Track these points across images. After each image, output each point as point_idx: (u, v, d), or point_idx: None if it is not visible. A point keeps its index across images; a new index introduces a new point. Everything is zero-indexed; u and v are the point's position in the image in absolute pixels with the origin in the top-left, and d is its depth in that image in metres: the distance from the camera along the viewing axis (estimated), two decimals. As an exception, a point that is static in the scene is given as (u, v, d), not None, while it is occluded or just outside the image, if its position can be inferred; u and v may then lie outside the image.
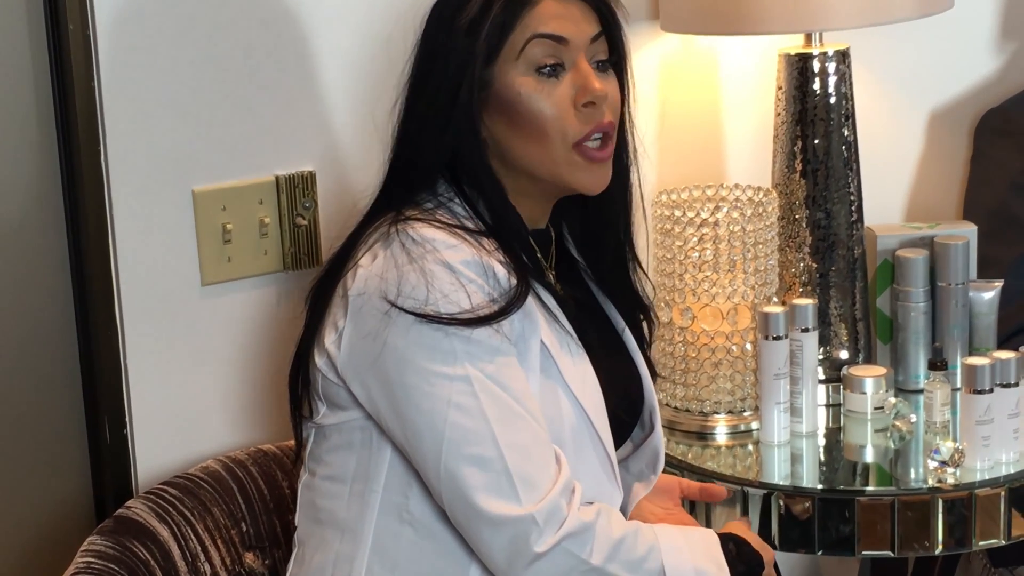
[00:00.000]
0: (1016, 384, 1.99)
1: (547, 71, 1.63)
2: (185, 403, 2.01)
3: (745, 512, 1.98)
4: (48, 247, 1.94)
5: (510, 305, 1.59)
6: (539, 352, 1.63)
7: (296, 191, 2.04)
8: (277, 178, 2.03)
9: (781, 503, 1.96)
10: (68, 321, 1.97)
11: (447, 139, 1.64)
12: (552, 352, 1.64)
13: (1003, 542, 1.96)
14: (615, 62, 1.69)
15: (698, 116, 2.42)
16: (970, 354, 2.20)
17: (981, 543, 1.94)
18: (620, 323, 1.81)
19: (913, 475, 2.03)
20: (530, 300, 1.62)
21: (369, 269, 1.60)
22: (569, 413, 1.65)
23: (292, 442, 1.95)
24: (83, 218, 1.92)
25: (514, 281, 1.60)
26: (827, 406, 2.21)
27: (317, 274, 1.71)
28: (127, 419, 1.97)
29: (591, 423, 1.67)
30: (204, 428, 2.02)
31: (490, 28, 1.61)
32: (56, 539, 1.99)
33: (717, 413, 2.16)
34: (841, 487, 1.99)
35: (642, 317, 1.83)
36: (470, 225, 1.64)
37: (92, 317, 1.95)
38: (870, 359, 2.28)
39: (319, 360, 1.66)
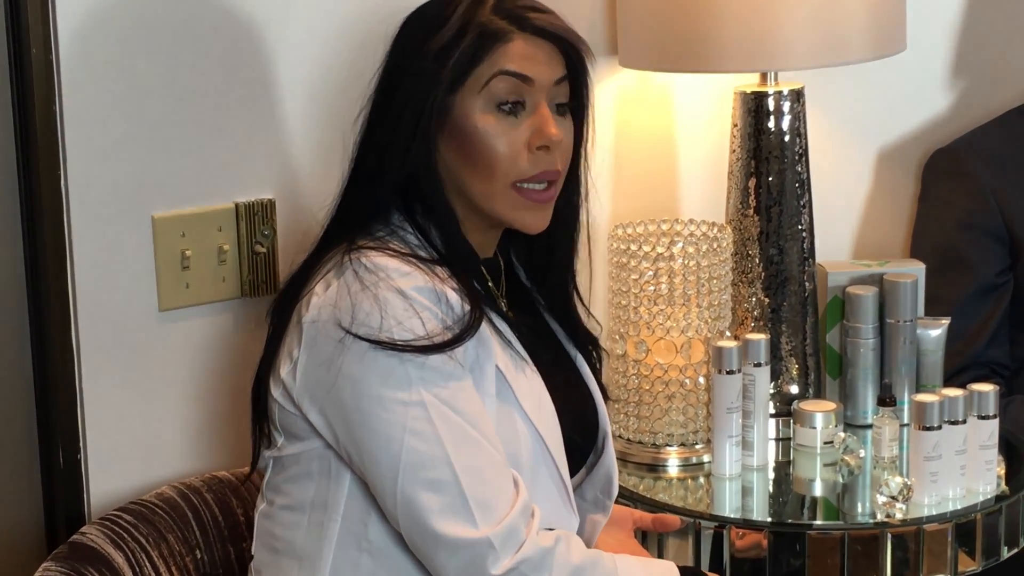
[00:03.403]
0: (964, 421, 2.02)
1: (507, 108, 1.65)
2: (140, 428, 2.00)
3: (697, 544, 2.00)
4: (6, 270, 1.93)
5: (464, 332, 1.61)
6: (494, 377, 1.65)
7: (255, 219, 2.04)
8: (237, 205, 2.03)
9: (732, 536, 1.99)
10: (23, 344, 1.96)
11: (406, 164, 1.65)
12: (507, 376, 1.66)
13: (950, 577, 1.99)
14: (575, 107, 1.72)
15: (653, 151, 2.45)
16: (917, 391, 2.24)
17: (929, 578, 1.98)
18: (572, 348, 1.83)
19: (860, 509, 2.06)
20: (484, 326, 1.64)
21: (323, 298, 1.62)
22: (525, 437, 1.67)
23: (248, 468, 1.96)
24: (41, 242, 1.91)
25: (467, 308, 1.62)
26: (777, 440, 2.24)
27: (273, 302, 1.72)
28: (81, 444, 1.96)
29: (547, 447, 1.69)
30: (159, 454, 2.02)
31: (459, 57, 1.63)
32: (6, 564, 1.98)
33: (669, 445, 2.18)
34: (792, 521, 2.01)
35: (591, 347, 1.85)
36: (423, 254, 1.66)
37: (48, 340, 1.94)
38: (820, 394, 2.31)
39: (275, 391, 1.67)
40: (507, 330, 1.69)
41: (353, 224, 1.68)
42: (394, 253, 1.63)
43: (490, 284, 1.74)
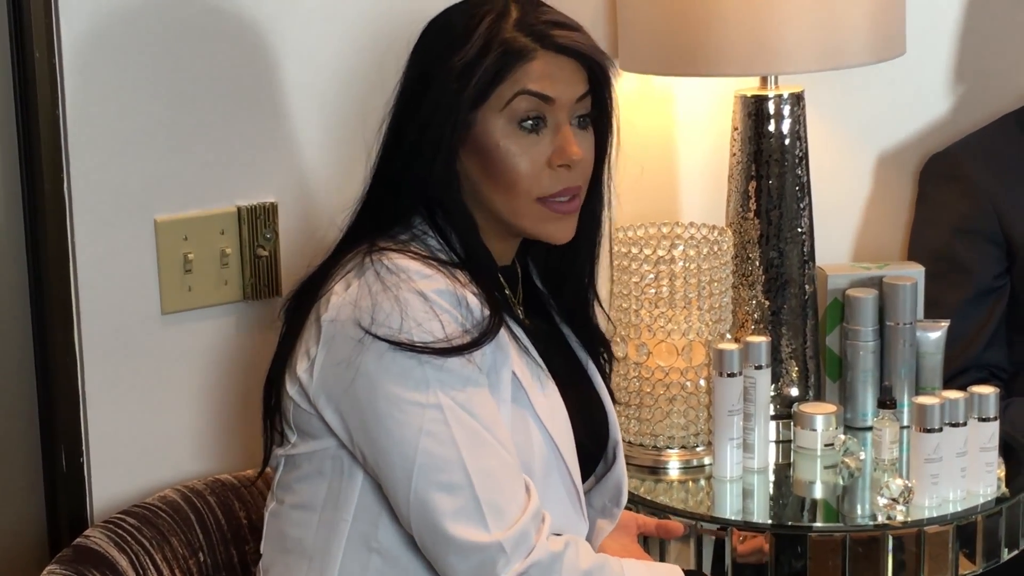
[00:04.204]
0: (964, 424, 2.03)
1: (529, 125, 1.66)
2: (143, 432, 2.00)
3: (699, 545, 2.00)
4: (8, 273, 1.94)
5: (483, 336, 1.61)
6: (510, 383, 1.66)
7: (258, 222, 2.05)
8: (239, 209, 2.03)
9: (735, 538, 1.99)
10: (26, 347, 1.96)
11: (431, 175, 1.66)
12: (523, 383, 1.67)
13: (950, 579, 2.00)
14: (597, 118, 1.72)
15: (654, 154, 2.45)
16: (917, 393, 2.25)
17: (930, 580, 1.99)
18: (583, 355, 1.84)
19: (860, 511, 2.07)
20: (502, 331, 1.65)
21: (343, 297, 1.62)
22: (539, 443, 1.68)
23: (251, 471, 1.97)
24: (44, 245, 1.92)
25: (487, 312, 1.63)
26: (777, 442, 2.24)
27: (286, 299, 1.72)
28: (84, 447, 1.97)
29: (560, 453, 1.70)
30: (161, 457, 2.02)
31: (482, 75, 1.63)
32: (9, 568, 1.98)
33: (670, 448, 2.18)
34: (795, 523, 2.02)
35: (602, 350, 1.86)
36: (443, 257, 1.66)
37: (50, 343, 1.94)
38: (819, 396, 2.32)
39: (291, 388, 1.67)
40: (524, 337, 1.70)
41: (374, 228, 1.68)
42: (415, 255, 1.63)
43: (507, 291, 1.74)
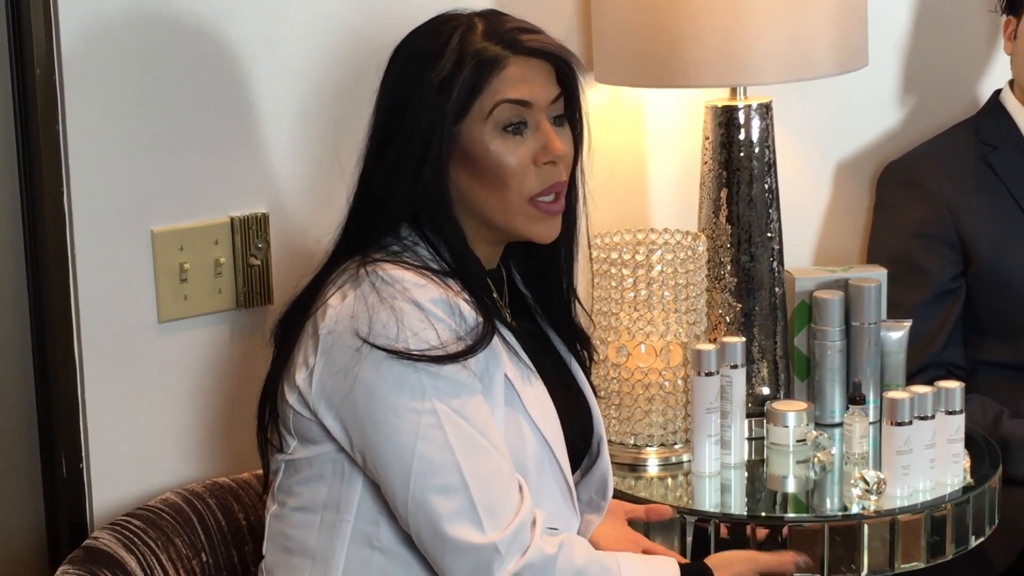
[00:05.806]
0: (932, 417, 2.11)
1: (512, 129, 1.72)
2: (141, 437, 2.05)
3: (683, 538, 2.07)
4: (9, 282, 1.98)
5: (477, 343, 1.68)
6: (503, 385, 1.72)
7: (250, 232, 2.10)
8: (232, 219, 2.09)
9: (717, 529, 2.06)
10: (26, 355, 2.00)
11: (416, 189, 1.71)
12: (515, 385, 1.73)
13: (922, 565, 2.08)
14: (570, 116, 1.79)
15: (626, 163, 2.53)
16: (882, 390, 2.33)
17: (903, 566, 2.06)
18: (566, 353, 1.91)
19: (831, 503, 2.14)
20: (494, 337, 1.71)
21: (339, 308, 1.68)
22: (532, 442, 1.74)
23: (247, 474, 2.02)
24: (45, 256, 1.96)
25: (480, 320, 1.69)
26: (750, 439, 2.32)
27: (280, 312, 1.78)
28: (84, 453, 2.01)
29: (551, 451, 1.76)
30: (160, 462, 2.07)
31: (460, 89, 1.69)
32: (9, 573, 2.01)
33: (649, 446, 2.26)
34: (774, 515, 2.10)
35: (581, 346, 1.92)
36: (435, 267, 1.72)
37: (51, 351, 1.99)
38: (789, 395, 2.40)
39: (290, 396, 1.72)
40: (513, 340, 1.76)
41: (362, 242, 1.74)
42: (408, 266, 1.69)
43: (495, 296, 1.81)
